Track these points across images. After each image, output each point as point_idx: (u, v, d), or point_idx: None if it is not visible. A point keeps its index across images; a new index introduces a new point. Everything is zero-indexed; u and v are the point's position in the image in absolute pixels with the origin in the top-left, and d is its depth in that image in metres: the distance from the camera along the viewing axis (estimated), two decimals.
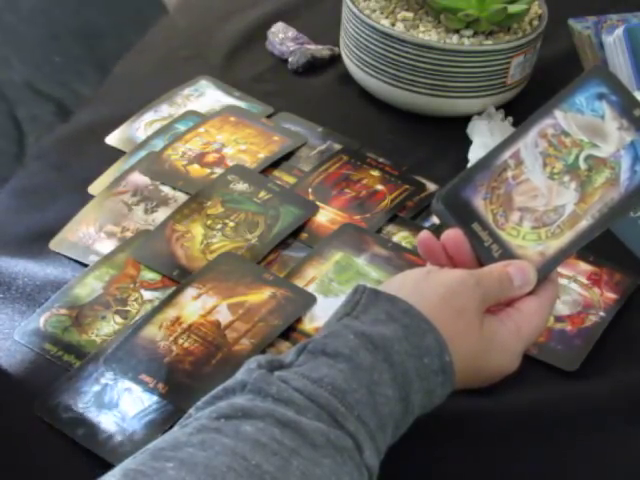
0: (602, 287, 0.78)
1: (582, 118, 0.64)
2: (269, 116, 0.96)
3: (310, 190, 0.85)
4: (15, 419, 0.66)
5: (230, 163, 0.88)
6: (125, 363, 0.68)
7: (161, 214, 0.82)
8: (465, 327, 0.58)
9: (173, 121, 0.93)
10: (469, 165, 0.85)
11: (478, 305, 0.59)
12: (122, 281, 0.75)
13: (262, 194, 0.83)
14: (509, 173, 0.63)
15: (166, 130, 0.92)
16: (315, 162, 0.89)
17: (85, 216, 0.81)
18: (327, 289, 0.75)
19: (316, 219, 0.82)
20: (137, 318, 0.72)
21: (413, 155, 0.92)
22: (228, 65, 1.04)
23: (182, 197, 0.84)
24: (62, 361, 0.69)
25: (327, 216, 0.83)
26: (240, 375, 0.53)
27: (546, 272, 0.62)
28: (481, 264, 0.62)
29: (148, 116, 0.94)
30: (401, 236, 0.82)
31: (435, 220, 0.83)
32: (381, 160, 0.90)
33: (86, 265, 0.77)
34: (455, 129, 0.95)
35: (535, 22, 0.97)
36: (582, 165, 0.63)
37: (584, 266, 0.79)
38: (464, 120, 0.95)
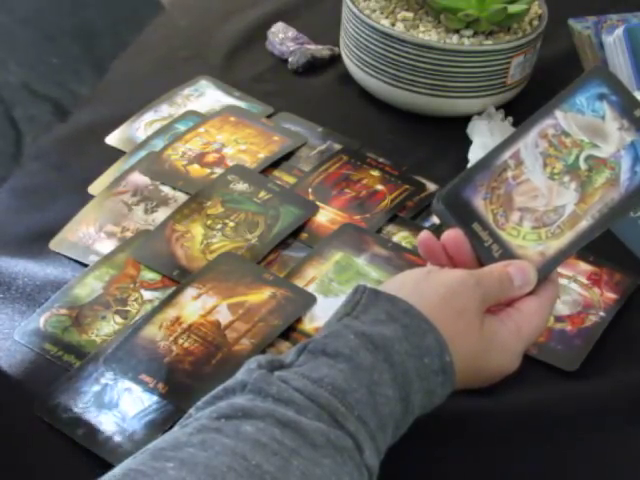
0: (602, 287, 0.78)
1: (582, 118, 0.64)
2: (269, 116, 0.96)
3: (310, 190, 0.85)
4: (15, 419, 0.66)
5: (230, 163, 0.88)
6: (125, 363, 0.68)
7: (161, 214, 0.82)
8: (465, 327, 0.58)
9: (173, 121, 0.93)
10: (469, 165, 0.85)
11: (478, 305, 0.59)
12: (122, 281, 0.75)
13: (262, 194, 0.83)
14: (509, 173, 0.63)
15: (166, 130, 0.92)
16: (315, 162, 0.89)
17: (85, 216, 0.81)
18: (327, 289, 0.75)
19: (316, 219, 0.82)
20: (137, 318, 0.72)
21: (413, 155, 0.92)
22: (228, 65, 1.04)
23: (182, 197, 0.84)
24: (62, 361, 0.69)
25: (327, 216, 0.83)
26: (240, 375, 0.53)
27: (546, 272, 0.62)
28: (481, 264, 0.62)
29: (148, 116, 0.94)
30: (401, 236, 0.82)
31: (435, 220, 0.83)
32: (381, 160, 0.90)
33: (86, 265, 0.77)
34: (455, 129, 0.95)
35: (535, 22, 0.97)
36: (582, 165, 0.63)
37: (584, 266, 0.79)
38: (464, 120, 0.95)
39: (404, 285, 0.60)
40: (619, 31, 0.96)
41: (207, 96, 0.98)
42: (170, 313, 0.72)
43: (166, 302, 0.73)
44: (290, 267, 0.77)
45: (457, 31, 0.93)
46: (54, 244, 0.79)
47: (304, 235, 0.81)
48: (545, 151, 0.63)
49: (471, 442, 0.66)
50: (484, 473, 0.65)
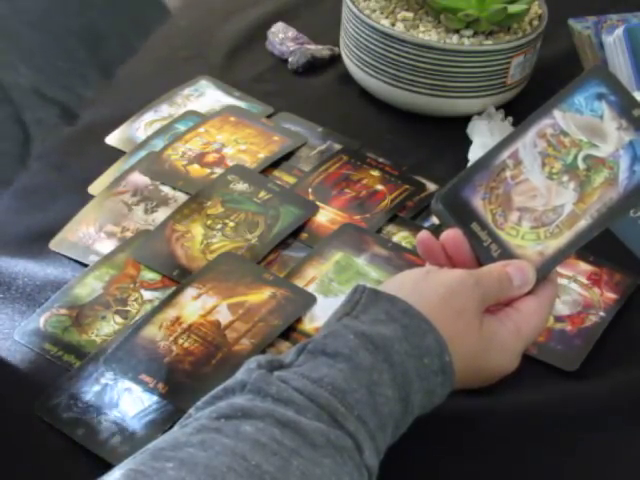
0: (602, 287, 0.78)
1: (581, 118, 0.64)
2: (269, 116, 0.96)
3: (310, 190, 0.85)
4: (15, 419, 0.66)
5: (230, 163, 0.88)
6: (125, 363, 0.68)
7: (161, 214, 0.82)
8: (465, 327, 0.58)
9: (173, 121, 0.93)
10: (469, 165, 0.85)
11: (478, 305, 0.59)
12: (122, 281, 0.75)
13: (262, 194, 0.84)
14: (508, 173, 0.63)
15: (166, 130, 0.92)
16: (315, 162, 0.89)
17: (85, 216, 0.81)
18: (327, 289, 0.75)
19: (316, 219, 0.82)
20: (137, 318, 0.72)
21: (413, 155, 0.92)
22: (228, 65, 1.04)
23: (182, 197, 0.84)
24: (62, 361, 0.69)
25: (327, 216, 0.83)
26: (240, 375, 0.53)
27: (545, 272, 0.62)
28: (480, 264, 0.62)
29: (148, 116, 0.94)
30: (401, 236, 0.82)
31: (435, 220, 0.83)
32: (381, 160, 0.90)
33: (86, 265, 0.77)
34: (455, 129, 0.95)
35: (535, 22, 0.97)
36: (581, 165, 0.63)
37: (584, 266, 0.79)
38: (464, 120, 0.95)
39: (403, 285, 0.60)
40: (619, 31, 0.96)
41: (207, 96, 0.98)
42: (170, 313, 0.72)
43: (166, 302, 0.73)
44: (290, 267, 0.77)
45: (457, 31, 0.93)
46: (54, 244, 0.79)
47: (304, 235, 0.81)
48: (544, 151, 0.63)
49: (471, 442, 0.66)
50: (484, 473, 0.65)
